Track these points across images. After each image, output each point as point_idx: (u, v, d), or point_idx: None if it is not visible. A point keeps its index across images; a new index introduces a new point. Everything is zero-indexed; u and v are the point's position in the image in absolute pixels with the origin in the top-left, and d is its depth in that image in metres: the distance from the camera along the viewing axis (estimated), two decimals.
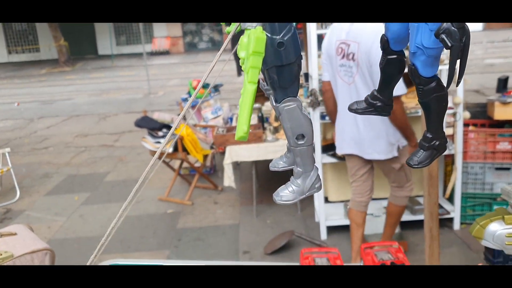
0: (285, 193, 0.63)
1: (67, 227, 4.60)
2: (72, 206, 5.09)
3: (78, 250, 4.11)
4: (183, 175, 5.29)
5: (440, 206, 3.77)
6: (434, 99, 0.60)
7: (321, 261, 1.73)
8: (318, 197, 3.93)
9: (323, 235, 3.88)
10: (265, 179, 5.23)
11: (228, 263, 1.88)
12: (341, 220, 3.87)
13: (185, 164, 5.14)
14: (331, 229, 3.92)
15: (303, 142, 0.60)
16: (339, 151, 3.22)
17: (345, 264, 1.70)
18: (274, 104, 0.60)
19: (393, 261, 1.66)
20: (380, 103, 0.68)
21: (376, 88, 0.69)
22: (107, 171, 6.17)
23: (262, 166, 5.39)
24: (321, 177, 3.77)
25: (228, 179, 4.24)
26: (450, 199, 3.81)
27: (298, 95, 0.61)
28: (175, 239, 4.16)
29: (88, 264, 0.68)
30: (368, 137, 2.94)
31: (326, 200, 4.17)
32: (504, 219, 1.12)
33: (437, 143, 0.63)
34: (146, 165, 4.75)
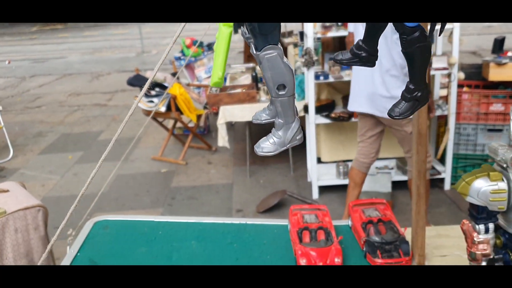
0: (266, 145, 0.63)
1: (61, 185, 4.63)
2: (66, 165, 5.10)
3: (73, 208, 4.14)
4: (176, 135, 5.29)
5: (432, 167, 3.80)
6: (417, 49, 0.59)
7: (310, 217, 1.76)
8: (311, 158, 3.96)
9: (315, 194, 3.93)
10: (258, 139, 5.23)
11: (221, 220, 1.90)
12: (332, 180, 3.91)
13: (179, 124, 5.12)
14: (323, 189, 3.96)
15: (284, 92, 0.59)
16: (351, 108, 3.11)
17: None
18: (255, 52, 0.59)
19: (380, 218, 1.69)
20: (365, 54, 0.67)
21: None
22: (101, 130, 6.15)
23: (256, 127, 5.38)
24: (314, 137, 3.79)
25: (222, 139, 4.24)
26: (442, 160, 3.84)
27: (279, 43, 0.60)
28: (168, 197, 4.20)
29: (66, 218, 0.68)
30: (384, 96, 2.85)
31: (319, 160, 4.20)
32: (489, 176, 1.13)
33: (419, 94, 0.63)
34: (139, 125, 4.74)
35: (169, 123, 5.19)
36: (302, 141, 0.63)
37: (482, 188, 1.12)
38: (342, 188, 3.90)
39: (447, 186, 3.83)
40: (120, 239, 1.75)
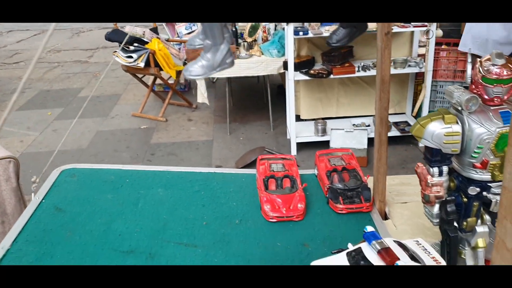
0: (195, 68, 0.61)
1: (40, 141, 4.59)
2: (45, 121, 5.04)
3: (51, 163, 4.11)
4: (157, 91, 5.23)
5: (408, 124, 3.83)
6: None
7: (277, 166, 1.77)
8: (290, 115, 3.95)
9: (293, 151, 3.95)
10: (239, 97, 5.20)
11: (189, 169, 1.91)
12: (311, 137, 3.92)
13: (159, 81, 5.05)
14: (301, 146, 3.98)
15: None
16: (463, 48, 2.99)
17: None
18: None
19: (344, 166, 1.71)
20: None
21: None
22: (81, 86, 6.05)
23: (236, 84, 5.33)
24: (293, 94, 3.77)
25: (201, 95, 4.20)
26: (417, 117, 3.86)
27: None
28: (148, 153, 4.20)
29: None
30: (496, 39, 2.68)
31: (298, 118, 4.20)
32: (444, 119, 1.14)
33: None
34: (120, 82, 4.68)
35: (149, 80, 5.12)
36: (233, 65, 0.62)
37: (436, 130, 1.14)
38: (320, 144, 3.92)
39: None
40: (87, 187, 1.75)
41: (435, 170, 1.19)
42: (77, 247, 1.44)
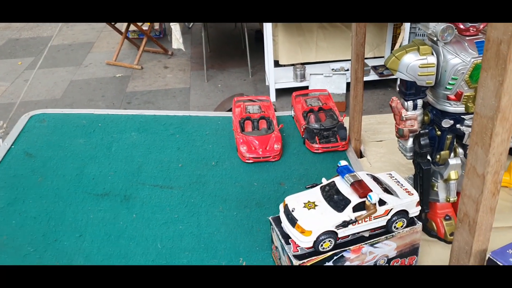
0: None
1: (12, 91, 4.45)
2: (16, 71, 4.87)
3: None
4: (131, 39, 5.07)
5: (386, 68, 3.81)
6: None
7: (253, 108, 1.75)
8: (268, 61, 3.88)
9: (272, 97, 3.92)
10: (216, 44, 5.08)
11: (164, 112, 1.87)
12: (290, 83, 3.88)
13: (133, 28, 4.88)
14: (280, 92, 3.94)
15: None
16: None
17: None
18: None
19: (321, 106, 1.69)
20: None
21: None
22: (51, 35, 5.80)
23: (213, 30, 5.20)
24: (271, 39, 3.69)
25: (176, 41, 4.08)
26: None
27: None
28: (124, 102, 4.12)
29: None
30: None
31: (277, 63, 4.13)
32: (419, 50, 1.11)
33: None
34: (93, 29, 4.51)
35: (123, 26, 4.94)
36: None
37: (411, 62, 1.11)
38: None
39: None
40: (58, 132, 1.71)
41: (410, 103, 1.17)
42: (50, 192, 1.41)
